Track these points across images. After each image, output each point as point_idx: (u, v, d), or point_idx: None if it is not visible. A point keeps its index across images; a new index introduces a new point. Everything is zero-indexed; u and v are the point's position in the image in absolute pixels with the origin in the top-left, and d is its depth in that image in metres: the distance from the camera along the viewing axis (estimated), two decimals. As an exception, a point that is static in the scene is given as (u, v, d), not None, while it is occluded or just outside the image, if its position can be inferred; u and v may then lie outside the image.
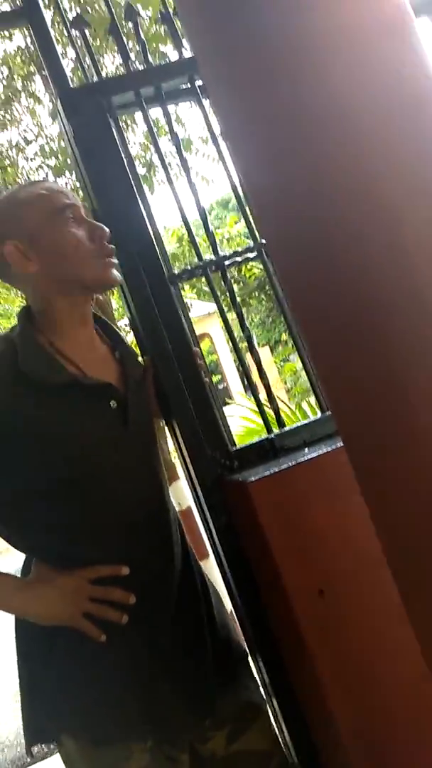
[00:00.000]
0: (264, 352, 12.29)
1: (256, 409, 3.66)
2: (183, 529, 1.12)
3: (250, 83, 0.63)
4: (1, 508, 0.97)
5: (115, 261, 1.02)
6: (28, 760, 2.89)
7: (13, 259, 0.96)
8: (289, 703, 1.09)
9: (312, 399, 3.77)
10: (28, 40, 4.04)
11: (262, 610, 1.11)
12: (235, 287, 1.08)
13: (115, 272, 1.01)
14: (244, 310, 1.29)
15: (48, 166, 4.34)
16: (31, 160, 4.55)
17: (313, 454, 1.03)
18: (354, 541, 1.00)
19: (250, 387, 1.22)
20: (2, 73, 4.31)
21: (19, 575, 1.00)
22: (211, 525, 1.15)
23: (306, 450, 1.11)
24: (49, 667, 0.96)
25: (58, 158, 4.24)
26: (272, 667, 1.09)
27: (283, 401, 3.49)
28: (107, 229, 1.00)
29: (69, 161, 4.08)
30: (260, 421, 3.52)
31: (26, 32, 3.94)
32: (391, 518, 0.66)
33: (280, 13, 0.62)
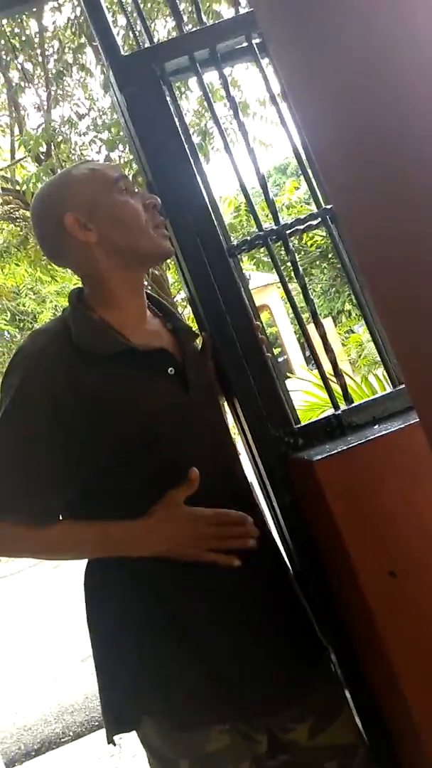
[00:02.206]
0: (327, 324, 12.02)
1: (320, 383, 3.59)
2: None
3: (318, 37, 0.58)
4: (73, 481, 0.97)
5: (167, 232, 1.00)
6: (97, 723, 3.02)
7: (73, 229, 0.97)
8: (361, 690, 1.06)
9: (379, 371, 3.66)
10: (78, 10, 3.99)
11: (330, 593, 1.08)
12: (297, 256, 1.04)
13: (168, 243, 1.02)
14: (306, 280, 1.23)
15: (101, 140, 4.33)
16: (84, 134, 4.54)
17: (384, 432, 0.98)
18: (426, 522, 0.96)
19: (314, 361, 1.17)
20: (53, 47, 4.30)
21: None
22: (275, 504, 1.12)
23: (376, 427, 1.06)
24: (128, 650, 0.96)
25: (110, 131, 4.22)
26: (342, 653, 1.07)
27: (348, 375, 3.39)
28: (159, 200, 0.99)
29: (122, 134, 4.05)
30: (324, 395, 3.46)
31: (75, 2, 3.90)
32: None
33: None
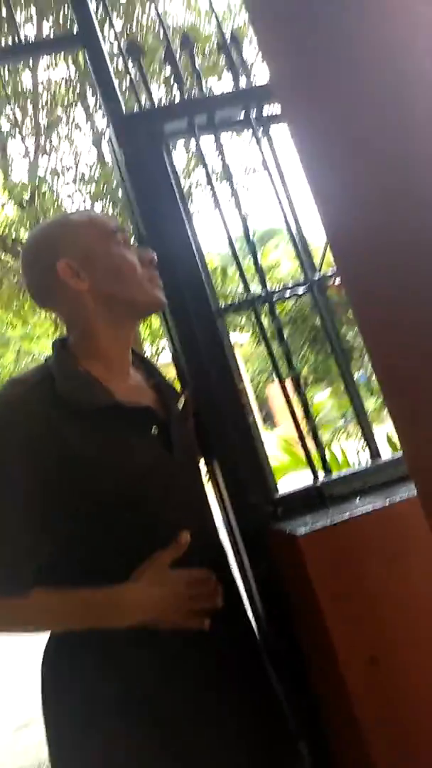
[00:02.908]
0: (290, 388, 12.15)
1: (280, 444, 3.55)
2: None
3: (336, 109, 0.59)
4: (47, 547, 0.90)
5: (161, 285, 0.99)
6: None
7: (66, 276, 0.94)
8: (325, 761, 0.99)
9: (343, 439, 3.67)
10: (72, 69, 4.12)
11: (303, 673, 1.02)
12: (265, 321, 1.05)
13: (163, 296, 0.99)
14: (275, 346, 1.23)
15: (86, 192, 4.39)
16: (69, 184, 4.61)
17: (369, 509, 0.95)
18: (411, 605, 0.92)
19: (297, 431, 1.15)
20: (45, 100, 4.40)
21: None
22: (249, 575, 1.07)
23: (357, 500, 1.03)
24: (94, 745, 0.88)
25: (96, 184, 4.29)
26: (313, 739, 1.00)
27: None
28: (155, 255, 0.98)
29: (105, 188, 4.12)
30: (283, 458, 3.43)
31: (70, 62, 4.02)
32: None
33: (369, 39, 0.57)
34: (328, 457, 3.19)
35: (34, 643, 0.91)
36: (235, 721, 0.91)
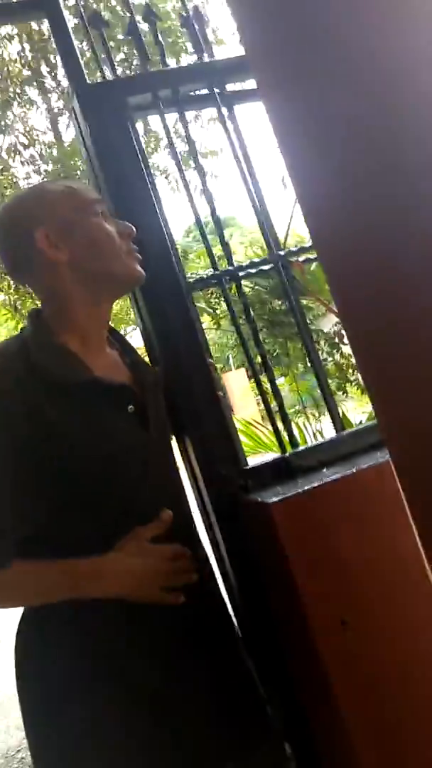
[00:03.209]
0: (241, 372, 12.26)
1: (242, 428, 3.58)
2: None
3: (314, 82, 0.59)
4: (26, 521, 0.89)
5: (140, 258, 0.98)
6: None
7: (43, 246, 0.92)
8: (304, 744, 1.02)
9: (300, 421, 3.74)
10: (27, 45, 4.00)
11: (275, 641, 1.05)
12: (223, 305, 1.05)
13: (141, 270, 0.98)
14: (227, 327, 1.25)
15: (45, 171, 4.27)
16: (27, 164, 4.48)
17: (337, 476, 0.98)
18: (379, 567, 0.95)
19: (264, 406, 1.17)
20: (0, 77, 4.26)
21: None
22: (221, 547, 1.09)
23: (325, 470, 1.05)
24: (57, 732, 0.88)
25: (57, 165, 4.18)
26: (285, 705, 1.03)
27: (261, 424, 3.43)
28: (134, 229, 0.96)
29: (62, 169, 4.03)
30: (247, 441, 3.46)
31: (24, 37, 3.90)
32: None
33: (353, 7, 0.57)
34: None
35: (8, 621, 0.90)
36: (206, 690, 0.93)
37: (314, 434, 3.55)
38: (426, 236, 0.54)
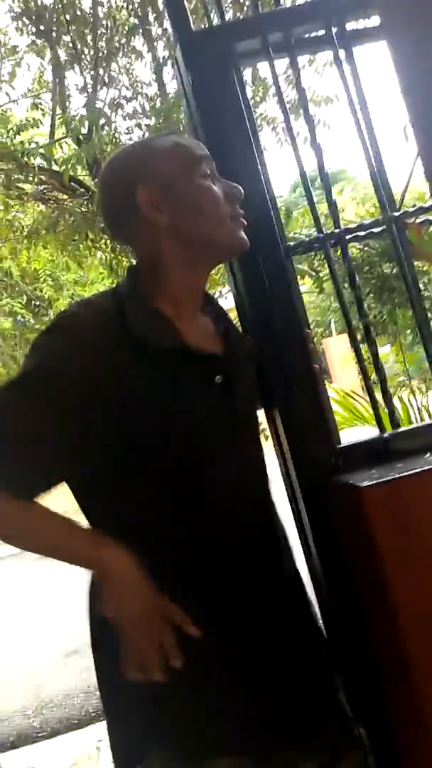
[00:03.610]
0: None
1: (340, 400, 3.45)
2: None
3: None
4: (91, 483, 0.89)
5: (246, 224, 0.92)
6: (76, 722, 2.96)
7: (145, 206, 0.88)
8: (383, 739, 0.98)
9: (404, 395, 3.55)
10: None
11: (361, 630, 1.00)
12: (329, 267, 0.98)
13: (245, 237, 0.92)
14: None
15: (146, 125, 4.25)
16: (129, 118, 4.46)
17: (441, 463, 0.90)
18: None
19: (364, 382, 1.09)
20: (106, 26, 4.22)
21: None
22: (307, 529, 1.04)
23: (428, 456, 0.97)
24: (132, 684, 0.88)
25: (157, 118, 4.13)
26: (367, 698, 0.99)
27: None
28: (242, 191, 0.90)
29: (166, 123, 3.97)
30: (344, 413, 3.34)
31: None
32: None
33: None
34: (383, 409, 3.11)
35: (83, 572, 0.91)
36: (276, 661, 0.91)
37: (419, 410, 3.37)
38: None
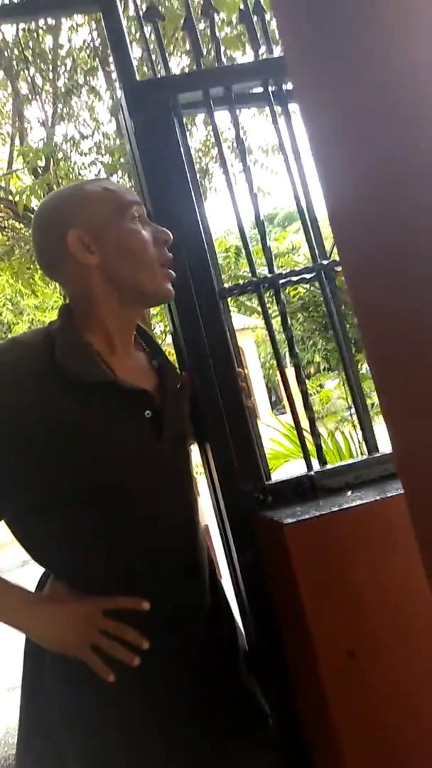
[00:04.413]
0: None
1: (285, 432, 3.52)
2: (212, 557, 1.04)
3: (349, 92, 0.55)
4: (21, 518, 0.90)
5: (173, 273, 0.95)
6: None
7: (75, 248, 0.91)
8: (302, 763, 0.99)
9: (346, 429, 3.65)
10: (95, 33, 4.03)
11: (282, 662, 1.01)
12: (275, 306, 1.02)
13: (170, 287, 0.96)
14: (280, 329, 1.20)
15: (101, 162, 4.32)
16: (85, 155, 4.53)
17: (358, 501, 0.94)
18: (392, 602, 0.91)
19: (293, 419, 1.13)
20: (66, 65, 4.32)
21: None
22: (235, 562, 1.06)
23: (349, 494, 1.01)
24: (53, 696, 0.88)
25: (112, 156, 4.22)
26: (289, 727, 1.00)
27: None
28: (171, 235, 0.94)
29: (122, 160, 4.05)
30: (289, 445, 3.40)
31: (93, 26, 3.94)
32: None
33: (391, 22, 0.53)
34: (331, 446, 3.17)
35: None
36: (206, 702, 0.91)
37: (359, 444, 3.46)
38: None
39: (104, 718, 0.87)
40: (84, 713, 0.87)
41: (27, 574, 0.98)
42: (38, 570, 0.96)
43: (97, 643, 0.85)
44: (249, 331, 14.18)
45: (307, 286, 4.48)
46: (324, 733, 0.91)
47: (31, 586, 0.95)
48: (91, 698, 0.87)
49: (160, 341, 1.66)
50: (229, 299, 1.16)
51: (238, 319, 13.64)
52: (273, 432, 3.52)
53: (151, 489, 0.91)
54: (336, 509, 0.92)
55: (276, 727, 1.01)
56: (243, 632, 1.08)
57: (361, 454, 3.34)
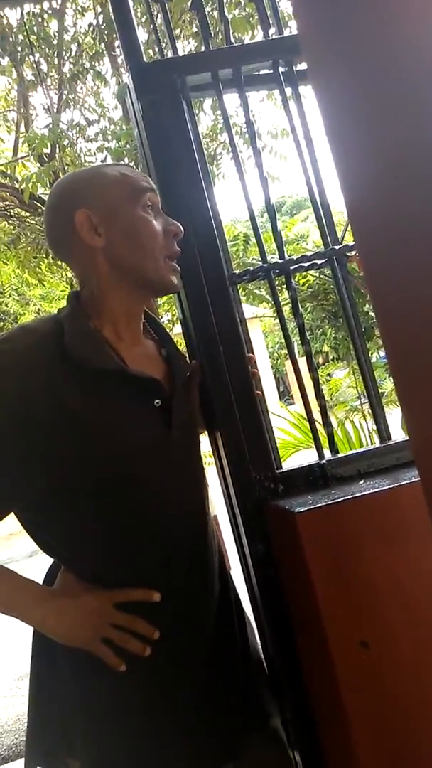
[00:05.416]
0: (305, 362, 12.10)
1: (295, 422, 3.51)
2: (221, 548, 1.03)
3: (368, 71, 0.53)
4: (31, 507, 0.89)
5: (178, 267, 0.93)
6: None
7: (82, 227, 0.89)
8: (315, 756, 0.99)
9: (356, 419, 3.64)
10: (101, 18, 3.98)
11: (295, 651, 1.01)
12: (286, 294, 1.00)
13: (175, 280, 0.94)
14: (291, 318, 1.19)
15: (107, 149, 4.28)
16: (92, 140, 4.50)
17: (371, 490, 0.92)
18: (405, 592, 0.90)
19: (306, 408, 1.12)
20: (71, 50, 4.27)
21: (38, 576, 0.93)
22: (246, 551, 1.05)
23: (362, 482, 1.00)
24: (65, 688, 0.88)
25: (119, 142, 4.18)
26: (300, 718, 0.99)
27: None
28: (182, 229, 0.92)
29: (128, 146, 4.02)
30: (298, 435, 3.39)
31: (98, 9, 3.89)
32: None
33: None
34: (341, 435, 3.15)
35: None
36: (215, 692, 0.91)
37: (370, 434, 3.44)
38: None
39: (117, 709, 0.87)
40: (98, 705, 0.87)
41: (35, 564, 0.97)
42: (47, 560, 0.96)
43: (109, 636, 0.85)
44: (257, 320, 14.13)
45: (317, 274, 4.43)
46: (336, 722, 0.91)
47: (39, 577, 0.94)
48: (104, 690, 0.87)
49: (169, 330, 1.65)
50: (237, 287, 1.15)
51: (245, 309, 13.58)
52: (282, 422, 3.50)
53: (161, 478, 0.90)
54: (348, 497, 0.91)
55: (287, 717, 1.01)
56: (252, 623, 1.07)
57: (372, 443, 3.36)
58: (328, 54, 0.58)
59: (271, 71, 1.16)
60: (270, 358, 14.89)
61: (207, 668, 0.92)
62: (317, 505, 0.90)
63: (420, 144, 0.52)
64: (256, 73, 1.20)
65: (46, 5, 3.93)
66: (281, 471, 1.06)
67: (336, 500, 0.91)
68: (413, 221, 0.53)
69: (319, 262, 1.17)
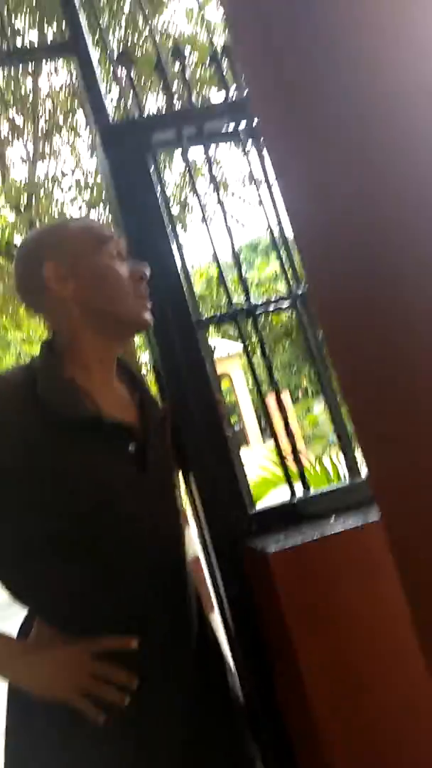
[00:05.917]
0: (284, 398, 12.18)
1: (275, 459, 3.52)
2: (200, 591, 1.03)
3: (310, 124, 0.58)
4: (5, 558, 0.88)
5: (149, 305, 0.96)
6: None
7: (51, 279, 0.92)
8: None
9: (334, 454, 3.66)
10: (74, 75, 4.13)
11: (271, 685, 1.00)
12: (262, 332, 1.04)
13: (149, 315, 0.96)
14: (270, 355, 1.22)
15: (82, 199, 4.39)
16: (66, 191, 4.61)
17: (341, 528, 0.94)
18: (378, 626, 0.91)
19: (275, 446, 1.14)
20: (45, 106, 4.41)
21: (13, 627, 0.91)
22: (222, 592, 1.05)
23: (332, 519, 1.01)
24: (38, 746, 0.86)
25: (93, 192, 4.29)
26: (278, 752, 0.98)
27: (302, 453, 3.35)
28: (148, 271, 0.96)
29: (103, 196, 4.12)
30: (278, 472, 3.39)
31: (71, 68, 4.04)
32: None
33: (351, 58, 0.56)
34: (318, 470, 3.16)
35: None
36: (194, 734, 0.90)
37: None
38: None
39: (97, 759, 0.85)
40: (76, 756, 0.85)
41: (14, 614, 0.96)
42: (20, 611, 0.95)
43: (87, 689, 0.84)
44: (237, 356, 14.23)
45: (290, 312, 4.53)
46: (313, 753, 0.90)
47: (13, 628, 0.93)
48: (82, 739, 0.85)
49: (145, 371, 1.66)
50: (214, 327, 1.18)
51: (226, 346, 13.68)
52: (262, 459, 3.51)
53: (137, 525, 0.90)
54: (319, 536, 0.92)
55: (266, 752, 0.99)
56: (232, 668, 1.06)
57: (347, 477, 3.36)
58: (274, 112, 0.63)
59: (232, 129, 1.22)
60: (250, 393, 14.95)
61: (187, 714, 0.90)
62: (289, 546, 0.91)
63: (359, 185, 0.56)
64: (220, 129, 1.27)
65: (21, 67, 4.10)
66: (254, 511, 1.07)
67: (307, 540, 0.92)
68: (356, 261, 0.57)
69: (284, 305, 1.21)
